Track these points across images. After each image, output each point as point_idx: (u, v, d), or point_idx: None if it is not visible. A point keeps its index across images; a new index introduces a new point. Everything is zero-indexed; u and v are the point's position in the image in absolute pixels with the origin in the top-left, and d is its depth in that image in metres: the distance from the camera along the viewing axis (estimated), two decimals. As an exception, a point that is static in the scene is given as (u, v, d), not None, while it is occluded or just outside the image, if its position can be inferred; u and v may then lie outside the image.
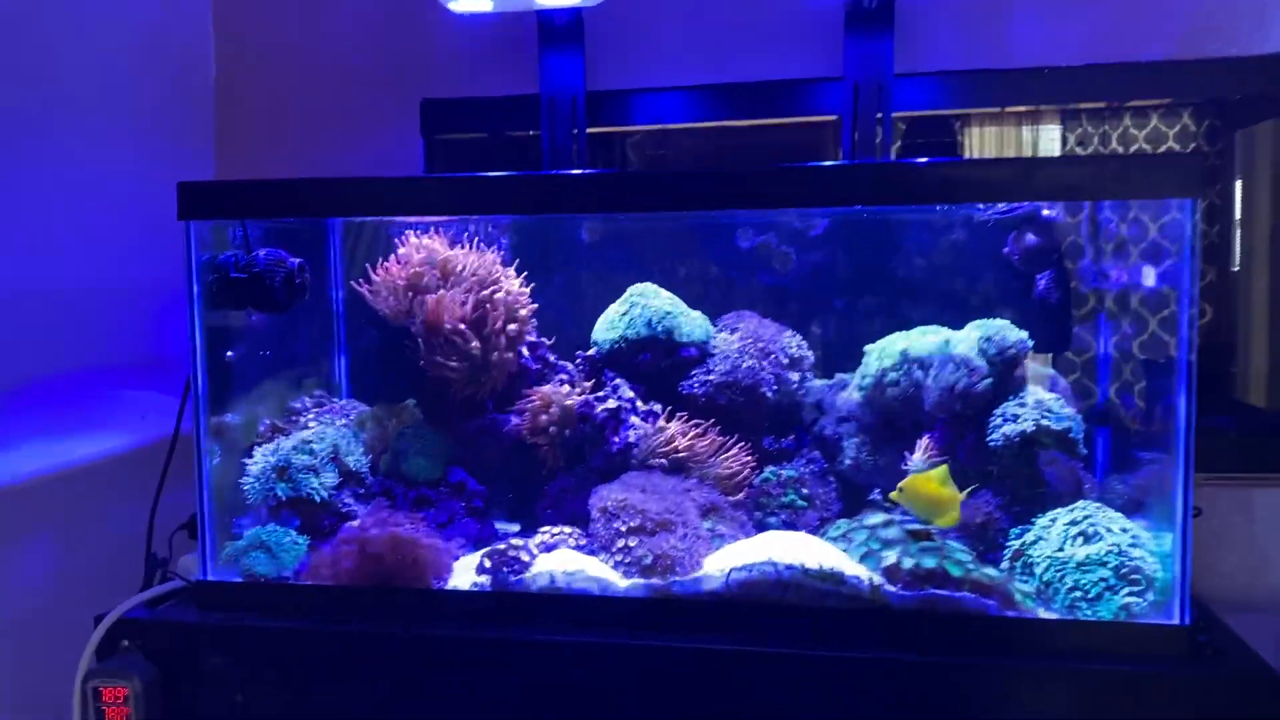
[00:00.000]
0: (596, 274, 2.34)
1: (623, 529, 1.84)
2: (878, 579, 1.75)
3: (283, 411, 2.15)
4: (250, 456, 1.99)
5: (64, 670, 1.83)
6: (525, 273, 2.14)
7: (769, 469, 2.05)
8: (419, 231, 2.14)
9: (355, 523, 1.94)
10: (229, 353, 2.02)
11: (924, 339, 2.01)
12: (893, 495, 1.84)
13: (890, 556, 1.78)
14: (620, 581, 1.81)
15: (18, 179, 2.05)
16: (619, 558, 1.83)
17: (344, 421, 2.12)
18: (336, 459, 1.97)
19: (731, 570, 1.77)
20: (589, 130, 2.49)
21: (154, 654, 1.84)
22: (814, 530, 1.98)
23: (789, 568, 1.76)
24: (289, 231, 2.18)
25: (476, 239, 2.16)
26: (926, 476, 1.82)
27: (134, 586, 1.98)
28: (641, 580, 1.80)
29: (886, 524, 1.86)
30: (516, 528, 2.16)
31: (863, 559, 1.81)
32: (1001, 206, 2.05)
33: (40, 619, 2.06)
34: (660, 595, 1.79)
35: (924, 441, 1.96)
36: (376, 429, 2.10)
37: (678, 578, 1.79)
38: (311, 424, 2.07)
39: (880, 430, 2.05)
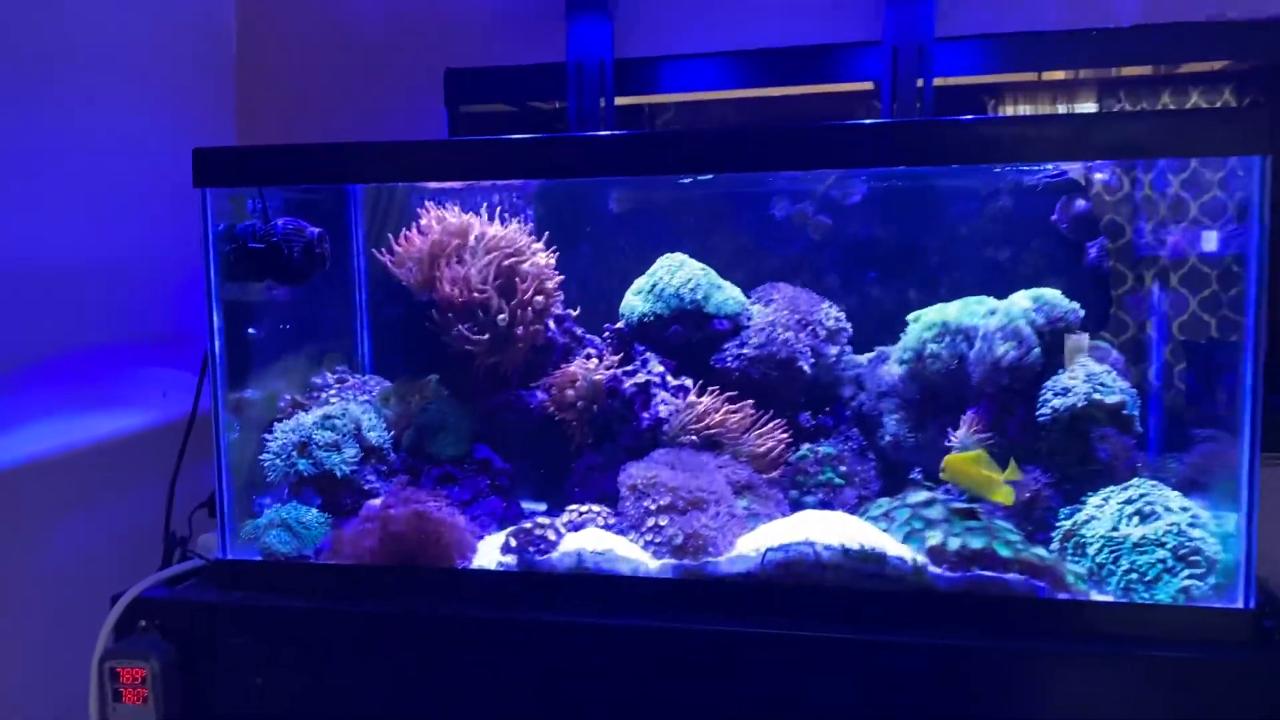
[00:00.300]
0: (624, 245, 2.26)
1: (653, 507, 1.76)
2: (921, 560, 1.67)
3: (304, 387, 2.09)
4: (270, 433, 1.93)
5: (82, 650, 1.79)
6: (552, 245, 2.07)
7: (805, 446, 1.97)
8: (441, 204, 2.07)
9: (377, 500, 1.88)
10: (248, 327, 1.96)
11: (969, 309, 1.92)
12: (942, 475, 1.76)
13: (935, 536, 1.69)
14: (651, 562, 1.73)
15: (31, 147, 2.00)
16: (649, 537, 1.75)
17: (366, 397, 2.06)
18: (359, 435, 1.91)
19: (767, 550, 1.70)
20: (617, 102, 2.41)
21: (172, 634, 1.79)
22: (852, 509, 1.90)
23: (828, 548, 1.68)
24: (309, 203, 2.12)
25: (501, 209, 2.09)
26: (968, 456, 1.74)
27: (154, 566, 1.94)
28: (673, 560, 1.72)
29: (930, 503, 1.78)
30: (543, 507, 2.09)
31: (906, 539, 1.72)
32: (1050, 169, 1.95)
33: (58, 598, 2.02)
34: (692, 576, 1.71)
35: (969, 417, 1.87)
36: (399, 405, 2.04)
37: (710, 558, 1.72)
38: (333, 400, 2.01)
39: (922, 405, 1.96)
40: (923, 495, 1.81)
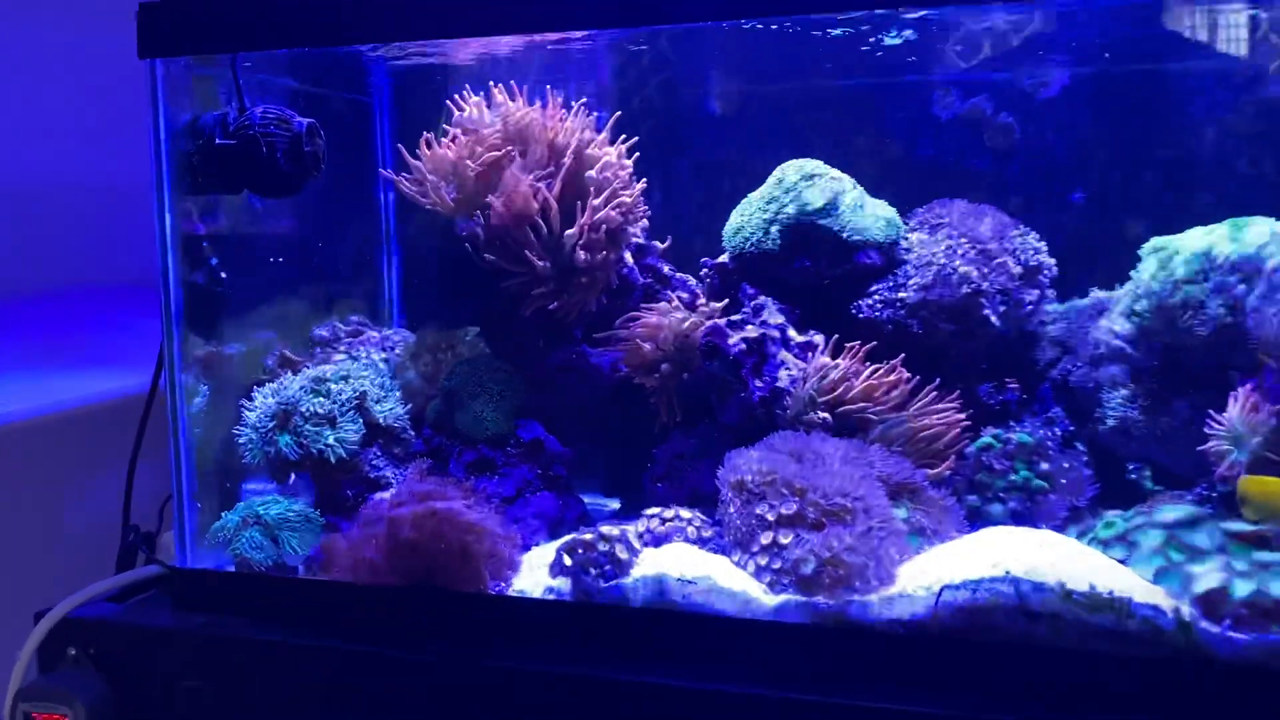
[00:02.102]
0: (731, 159, 1.71)
1: (770, 517, 1.21)
2: (1188, 611, 1.08)
3: (304, 341, 1.59)
4: (251, 399, 1.44)
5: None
6: (632, 150, 1.50)
7: (989, 432, 1.38)
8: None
9: (387, 494, 1.37)
10: (226, 259, 1.47)
11: (1244, 234, 1.30)
12: (1246, 511, 1.15)
13: (1209, 575, 1.10)
14: (766, 597, 1.18)
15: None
16: (764, 560, 1.20)
17: (384, 355, 1.55)
18: (363, 405, 1.40)
19: (944, 588, 1.13)
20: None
21: (109, 667, 1.33)
22: (1061, 526, 1.31)
23: (1039, 587, 1.10)
24: (319, 100, 1.62)
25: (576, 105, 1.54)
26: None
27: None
28: (799, 597, 1.17)
29: (1194, 521, 1.17)
30: (615, 504, 1.56)
31: (1159, 577, 1.13)
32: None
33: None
34: (830, 622, 1.16)
35: (1244, 393, 1.25)
36: (429, 365, 1.52)
37: (858, 596, 1.15)
38: (338, 357, 1.50)
39: (1164, 376, 1.35)
40: (1183, 510, 1.20)
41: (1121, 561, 1.17)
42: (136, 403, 1.66)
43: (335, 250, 1.70)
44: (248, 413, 1.41)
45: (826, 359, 1.41)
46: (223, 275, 1.47)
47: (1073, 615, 1.09)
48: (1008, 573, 1.12)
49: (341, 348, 1.55)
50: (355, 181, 1.71)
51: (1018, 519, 1.32)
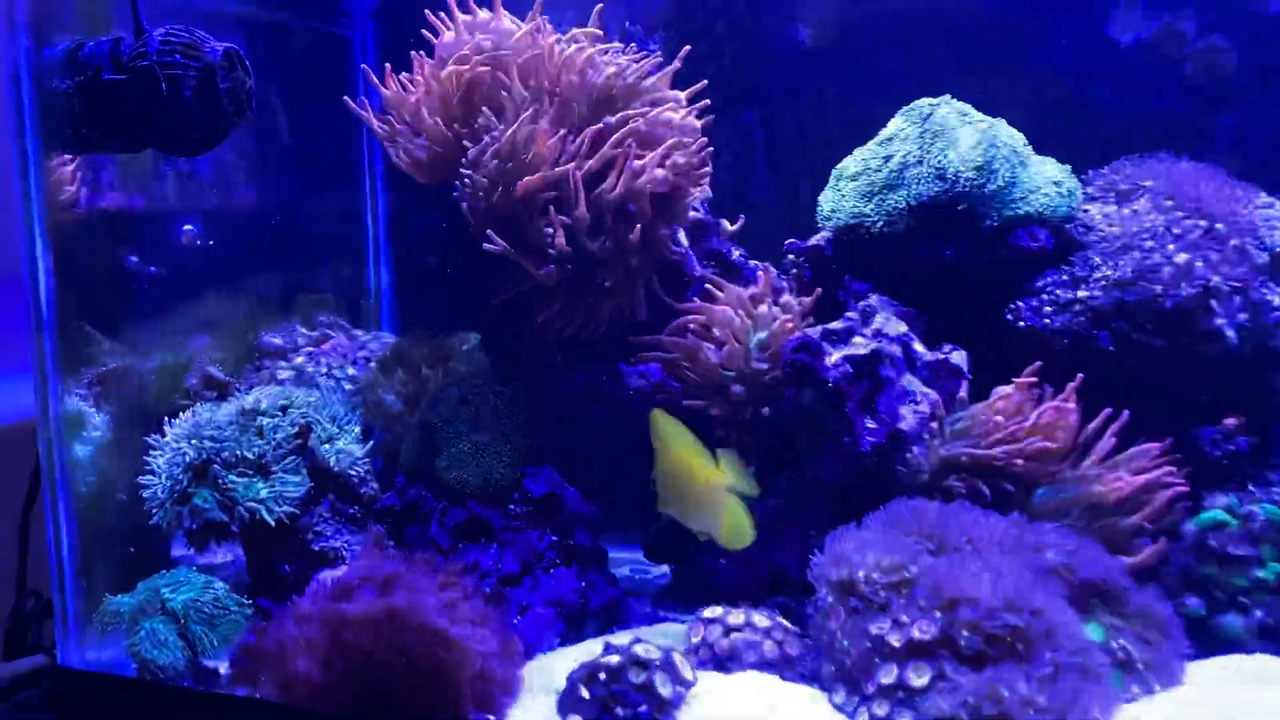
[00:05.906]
0: (825, 108, 1.26)
1: (895, 642, 0.78)
2: None
3: (249, 351, 1.20)
4: (161, 436, 1.05)
5: None
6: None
7: (1217, 500, 0.92)
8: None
9: (334, 573, 0.97)
10: (134, 242, 1.08)
11: None
12: None
13: None
14: (889, 771, 0.75)
15: None
16: (883, 709, 0.78)
17: (352, 369, 1.15)
18: (307, 444, 1.00)
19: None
20: None
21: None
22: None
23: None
24: (279, 32, 1.24)
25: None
26: None
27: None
28: (944, 776, 0.74)
29: None
30: (662, 571, 1.15)
31: None
32: None
33: None
34: (993, 822, 0.72)
35: None
36: (408, 382, 1.12)
37: (1040, 783, 0.72)
38: (283, 374, 1.10)
39: None
40: None
41: None
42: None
43: (299, 230, 1.30)
44: (156, 456, 1.02)
45: (983, 409, 0.95)
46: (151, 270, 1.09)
47: None
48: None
49: (297, 359, 1.15)
50: (330, 139, 1.32)
51: (1268, 639, 0.87)
